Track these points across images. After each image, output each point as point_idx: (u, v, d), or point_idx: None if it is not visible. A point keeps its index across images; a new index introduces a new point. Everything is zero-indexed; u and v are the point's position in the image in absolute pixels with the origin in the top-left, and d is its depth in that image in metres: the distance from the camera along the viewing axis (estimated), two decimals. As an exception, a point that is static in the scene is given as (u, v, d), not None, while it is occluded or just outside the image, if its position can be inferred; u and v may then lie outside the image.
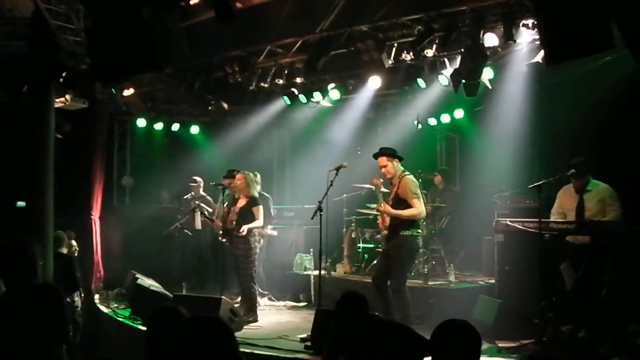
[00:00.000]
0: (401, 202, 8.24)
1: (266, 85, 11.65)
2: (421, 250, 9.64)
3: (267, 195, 11.33)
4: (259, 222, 9.73)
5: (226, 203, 10.37)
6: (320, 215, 8.46)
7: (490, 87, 9.75)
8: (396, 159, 8.42)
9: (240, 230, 9.49)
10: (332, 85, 11.96)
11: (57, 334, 3.75)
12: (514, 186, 10.37)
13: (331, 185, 8.64)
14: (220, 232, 10.20)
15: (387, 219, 8.50)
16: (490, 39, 8.90)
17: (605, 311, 7.62)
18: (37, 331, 3.64)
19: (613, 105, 8.98)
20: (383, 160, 8.43)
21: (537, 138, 10.61)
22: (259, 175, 10.64)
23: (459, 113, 12.73)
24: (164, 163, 14.81)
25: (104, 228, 12.52)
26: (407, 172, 8.45)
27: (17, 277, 4.09)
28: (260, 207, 9.87)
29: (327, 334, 7.22)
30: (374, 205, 11.15)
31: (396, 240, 8.23)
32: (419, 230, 8.36)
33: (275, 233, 11.90)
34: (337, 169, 8.73)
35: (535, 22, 8.03)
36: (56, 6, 8.66)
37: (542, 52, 8.70)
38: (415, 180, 8.42)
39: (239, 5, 7.87)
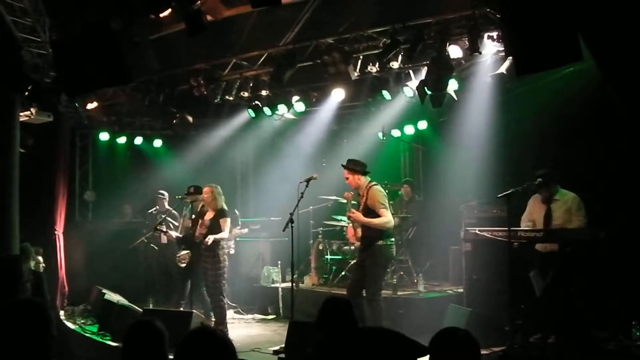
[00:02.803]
0: (370, 213, 8.27)
1: (231, 98, 11.63)
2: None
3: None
4: (224, 234, 9.66)
5: (193, 216, 10.32)
6: (292, 227, 8.46)
7: (456, 99, 9.84)
8: (357, 174, 8.47)
9: (205, 240, 9.44)
10: (296, 97, 11.98)
11: (42, 351, 3.68)
12: (479, 196, 10.48)
13: (302, 197, 8.69)
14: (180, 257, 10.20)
15: (359, 231, 8.53)
16: (455, 51, 9.02)
17: (573, 317, 7.75)
18: (22, 348, 3.56)
19: (577, 115, 9.12)
20: (345, 172, 8.53)
21: (502, 148, 10.73)
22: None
23: (422, 124, 12.82)
24: (126, 177, 14.56)
25: (66, 243, 12.30)
26: (374, 183, 8.48)
27: (4, 292, 4.00)
28: (228, 219, 9.82)
29: (302, 345, 7.26)
30: (341, 217, 11.25)
31: (370, 251, 8.25)
32: (392, 240, 8.38)
33: (245, 230, 11.84)
34: (308, 180, 8.76)
35: (500, 34, 8.17)
36: (21, 18, 8.52)
37: (506, 64, 8.87)
38: (382, 190, 8.46)
39: (209, 17, 7.87)
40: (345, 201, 9.03)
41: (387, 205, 8.37)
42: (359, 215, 8.39)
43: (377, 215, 8.20)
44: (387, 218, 8.18)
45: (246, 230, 11.95)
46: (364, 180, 8.48)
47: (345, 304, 5.17)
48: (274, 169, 14.47)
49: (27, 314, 3.60)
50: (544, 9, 5.77)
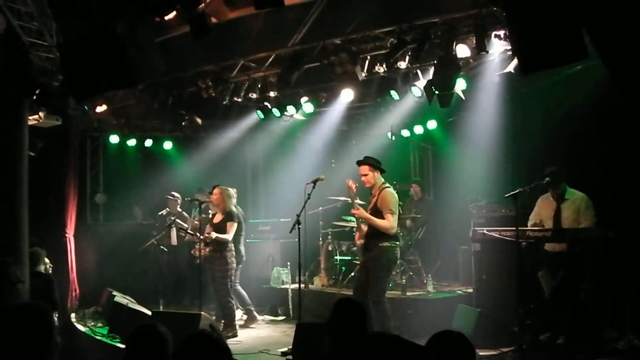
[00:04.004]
0: (378, 213, 8.22)
1: (239, 100, 11.61)
2: (399, 261, 9.60)
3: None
4: (228, 237, 9.69)
5: (203, 215, 10.34)
6: (299, 228, 8.45)
7: (463, 98, 9.79)
8: (378, 171, 8.42)
9: (207, 233, 9.48)
10: (305, 98, 11.96)
11: (44, 356, 3.68)
12: (488, 195, 10.44)
13: (309, 198, 8.66)
14: (195, 250, 10.17)
15: (365, 230, 8.49)
16: (462, 50, 8.98)
17: (583, 317, 7.71)
18: (24, 353, 3.56)
19: (585, 113, 9.09)
20: (365, 169, 8.40)
21: (511, 147, 10.70)
22: (233, 190, 10.49)
23: (431, 124, 12.77)
24: (137, 179, 14.61)
25: (77, 246, 12.34)
26: (387, 185, 8.40)
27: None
28: (235, 223, 9.86)
29: (309, 347, 7.24)
30: (350, 218, 11.23)
31: (374, 252, 8.21)
32: (397, 242, 8.33)
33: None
34: (315, 182, 8.74)
35: (507, 33, 8.13)
36: (28, 22, 8.55)
37: (514, 62, 8.81)
38: (394, 194, 8.36)
39: (213, 20, 7.87)
40: (347, 190, 8.84)
41: (396, 211, 8.29)
42: (362, 212, 8.36)
43: (383, 217, 8.16)
44: (390, 223, 8.09)
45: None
46: (379, 179, 8.44)
47: (358, 307, 4.83)
48: (284, 170, 14.45)
49: (29, 318, 3.60)
50: (549, 7, 5.73)
